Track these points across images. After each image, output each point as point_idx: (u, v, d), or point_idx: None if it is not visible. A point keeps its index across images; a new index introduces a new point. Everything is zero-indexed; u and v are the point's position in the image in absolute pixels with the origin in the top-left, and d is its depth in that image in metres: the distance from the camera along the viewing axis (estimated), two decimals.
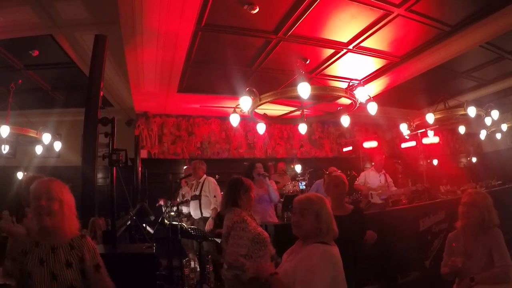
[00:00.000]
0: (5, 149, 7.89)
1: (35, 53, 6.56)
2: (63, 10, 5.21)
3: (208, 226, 6.22)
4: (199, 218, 6.55)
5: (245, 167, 6.43)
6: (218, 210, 6.33)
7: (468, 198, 3.39)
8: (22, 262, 2.29)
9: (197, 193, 6.56)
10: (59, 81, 8.36)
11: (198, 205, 6.51)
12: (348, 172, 8.17)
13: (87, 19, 5.46)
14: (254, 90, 5.98)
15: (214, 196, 6.42)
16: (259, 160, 7.73)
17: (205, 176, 6.71)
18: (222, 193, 7.01)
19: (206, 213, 6.44)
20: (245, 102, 6.02)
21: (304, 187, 8.97)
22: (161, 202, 7.29)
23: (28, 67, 7.35)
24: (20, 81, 7.39)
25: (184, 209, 7.09)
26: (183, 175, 7.50)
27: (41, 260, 2.27)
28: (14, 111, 7.62)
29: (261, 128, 7.70)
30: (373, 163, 7.78)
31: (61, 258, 2.31)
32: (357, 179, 7.61)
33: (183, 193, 7.26)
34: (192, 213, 6.70)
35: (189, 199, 6.83)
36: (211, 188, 6.48)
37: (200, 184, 6.60)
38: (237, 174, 3.77)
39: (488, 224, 3.23)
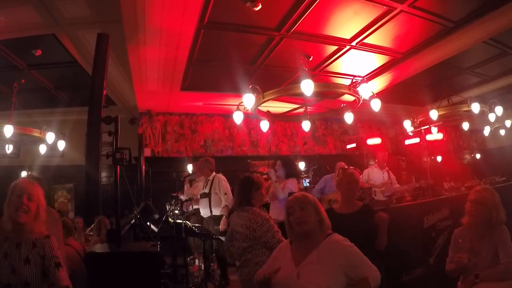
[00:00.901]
0: (9, 148, 7.92)
1: (38, 52, 6.56)
2: (65, 9, 5.21)
3: (223, 225, 6.12)
4: (208, 217, 6.45)
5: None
6: (230, 207, 6.30)
7: (476, 196, 3.36)
8: None
9: (206, 191, 6.46)
10: (62, 81, 8.38)
11: (208, 203, 6.42)
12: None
13: (89, 18, 5.46)
14: (257, 87, 5.98)
15: (225, 194, 6.31)
16: (285, 157, 7.73)
17: (214, 173, 6.62)
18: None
19: (216, 212, 6.33)
20: (248, 100, 6.02)
21: (308, 184, 8.96)
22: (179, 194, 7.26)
23: (31, 67, 7.36)
24: (23, 80, 7.40)
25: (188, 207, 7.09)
26: (187, 173, 7.49)
27: (5, 254, 2.39)
28: (18, 111, 7.64)
29: (264, 125, 7.70)
30: (376, 160, 7.76)
31: (22, 254, 2.42)
32: (361, 176, 7.59)
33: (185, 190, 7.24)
34: (201, 212, 6.62)
35: (185, 197, 6.83)
36: (221, 186, 6.37)
37: (210, 182, 6.50)
38: (240, 172, 3.78)
39: (495, 222, 3.22)
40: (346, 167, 6.64)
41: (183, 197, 6.92)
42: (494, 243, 3.14)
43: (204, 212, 6.53)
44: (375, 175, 7.34)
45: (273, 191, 5.69)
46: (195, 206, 6.87)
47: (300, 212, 2.57)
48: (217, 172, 6.69)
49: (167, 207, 6.62)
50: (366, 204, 3.93)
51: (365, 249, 2.92)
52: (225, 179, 6.55)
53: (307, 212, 2.56)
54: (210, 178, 6.54)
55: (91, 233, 5.74)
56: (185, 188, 7.12)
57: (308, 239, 2.55)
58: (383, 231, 3.61)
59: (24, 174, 9.14)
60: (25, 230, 2.48)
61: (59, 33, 5.93)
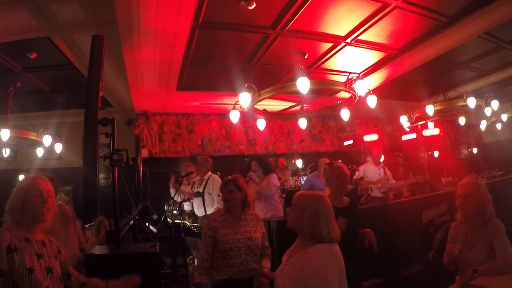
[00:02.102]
0: (6, 152, 7.90)
1: (33, 55, 6.53)
2: (59, 12, 5.19)
3: None
4: (202, 216, 6.48)
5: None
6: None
7: (462, 190, 3.43)
8: (9, 259, 2.18)
9: (200, 190, 6.50)
10: (58, 83, 8.35)
11: (202, 203, 6.46)
12: (349, 166, 8.16)
13: (84, 20, 5.43)
14: (253, 86, 5.99)
15: (218, 195, 6.35)
16: (258, 156, 7.74)
17: (210, 173, 6.64)
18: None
19: (210, 211, 6.37)
20: (245, 98, 6.03)
21: None
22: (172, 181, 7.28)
23: (26, 70, 7.34)
24: (18, 84, 7.39)
25: (186, 207, 7.08)
26: (183, 174, 7.49)
27: (38, 255, 2.29)
28: (14, 114, 7.63)
29: (261, 124, 7.71)
30: (371, 157, 7.78)
31: (51, 252, 2.41)
32: (357, 172, 7.60)
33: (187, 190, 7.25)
34: (195, 211, 6.65)
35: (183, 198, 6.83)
36: (215, 187, 6.38)
37: (204, 181, 6.54)
38: (238, 171, 3.78)
39: (486, 214, 3.25)
40: (329, 162, 6.68)
41: (178, 198, 6.93)
42: (489, 237, 3.18)
43: (198, 211, 6.55)
44: (370, 171, 7.37)
45: (258, 191, 5.73)
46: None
47: (289, 210, 2.67)
48: (215, 171, 6.69)
49: (166, 208, 6.63)
50: (353, 199, 3.96)
51: (350, 243, 2.95)
52: (220, 180, 6.57)
53: (295, 211, 2.60)
54: (205, 177, 6.57)
55: (91, 227, 5.73)
56: (187, 190, 7.11)
57: (302, 239, 2.60)
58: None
59: (21, 177, 9.10)
60: (44, 228, 2.45)
61: (53, 36, 5.91)
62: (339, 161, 4.17)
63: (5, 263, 2.14)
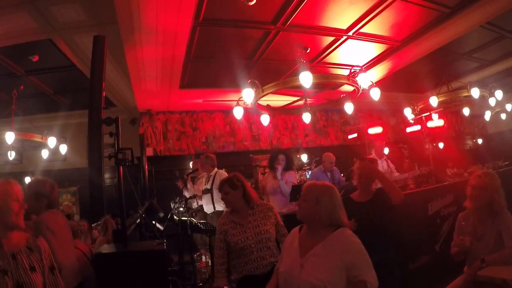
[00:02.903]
0: (12, 155, 7.94)
1: (35, 58, 6.57)
2: (60, 14, 5.20)
3: None
4: (212, 213, 6.46)
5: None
6: None
7: (477, 181, 3.37)
8: None
9: (208, 187, 6.49)
10: (61, 85, 8.39)
11: (211, 199, 6.46)
12: (354, 159, 8.16)
13: (84, 21, 5.44)
14: (256, 81, 5.99)
15: None
16: (284, 151, 7.78)
17: (216, 169, 6.64)
18: None
19: (219, 207, 6.36)
20: (248, 94, 6.03)
21: None
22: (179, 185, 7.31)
23: (29, 73, 7.37)
24: (22, 87, 7.41)
25: (194, 204, 7.10)
26: (189, 171, 7.51)
27: (4, 271, 2.05)
28: (19, 117, 7.66)
29: (265, 119, 7.72)
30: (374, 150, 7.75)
31: (25, 264, 2.15)
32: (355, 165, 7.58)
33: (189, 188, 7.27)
34: (204, 208, 6.65)
35: (189, 194, 6.84)
36: None
37: (212, 178, 6.53)
38: (243, 167, 3.77)
39: (495, 206, 3.24)
40: (332, 158, 6.69)
41: (187, 194, 6.94)
42: (497, 228, 3.16)
43: (207, 208, 6.55)
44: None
45: (275, 188, 5.78)
46: (200, 202, 6.90)
47: (301, 200, 2.65)
48: (220, 168, 6.70)
49: (172, 205, 6.65)
50: (377, 192, 3.92)
51: (379, 233, 2.92)
52: (227, 175, 6.57)
53: (307, 201, 2.60)
54: (212, 174, 6.56)
55: (98, 226, 5.79)
56: (189, 186, 7.14)
57: (315, 229, 2.58)
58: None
59: (27, 179, 9.14)
60: (16, 237, 2.22)
61: (55, 38, 5.93)
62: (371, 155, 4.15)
63: None
